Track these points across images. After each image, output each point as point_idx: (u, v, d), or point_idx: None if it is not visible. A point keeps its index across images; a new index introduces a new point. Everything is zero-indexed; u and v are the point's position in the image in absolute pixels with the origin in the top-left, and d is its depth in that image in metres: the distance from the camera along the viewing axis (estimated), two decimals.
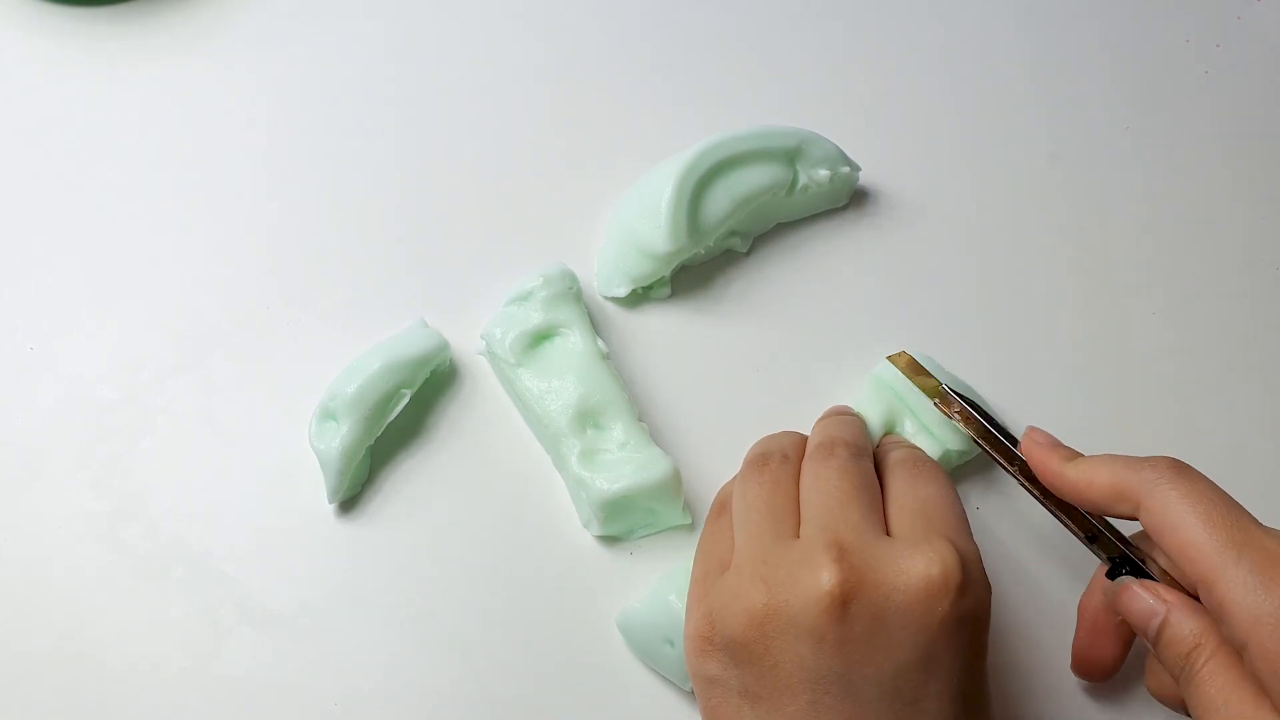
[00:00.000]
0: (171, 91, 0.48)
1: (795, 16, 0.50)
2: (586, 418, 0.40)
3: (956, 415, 0.39)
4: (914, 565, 0.31)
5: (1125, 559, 0.35)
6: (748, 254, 0.45)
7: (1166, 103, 0.49)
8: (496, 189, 0.47)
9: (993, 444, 0.38)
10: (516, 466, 0.42)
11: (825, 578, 0.31)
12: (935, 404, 0.40)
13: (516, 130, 0.48)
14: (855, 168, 0.46)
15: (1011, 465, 0.37)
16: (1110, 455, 0.34)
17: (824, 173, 0.45)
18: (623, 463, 0.39)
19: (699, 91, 0.49)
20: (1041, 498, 0.37)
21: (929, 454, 0.39)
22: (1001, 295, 0.45)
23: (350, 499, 0.41)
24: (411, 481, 0.42)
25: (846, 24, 0.50)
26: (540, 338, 0.42)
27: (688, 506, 0.41)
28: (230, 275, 0.45)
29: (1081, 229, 0.47)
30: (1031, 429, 0.37)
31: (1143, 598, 0.33)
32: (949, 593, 0.31)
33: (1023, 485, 0.37)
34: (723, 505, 0.37)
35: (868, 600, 0.31)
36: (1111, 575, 0.35)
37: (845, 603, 0.31)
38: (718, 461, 0.42)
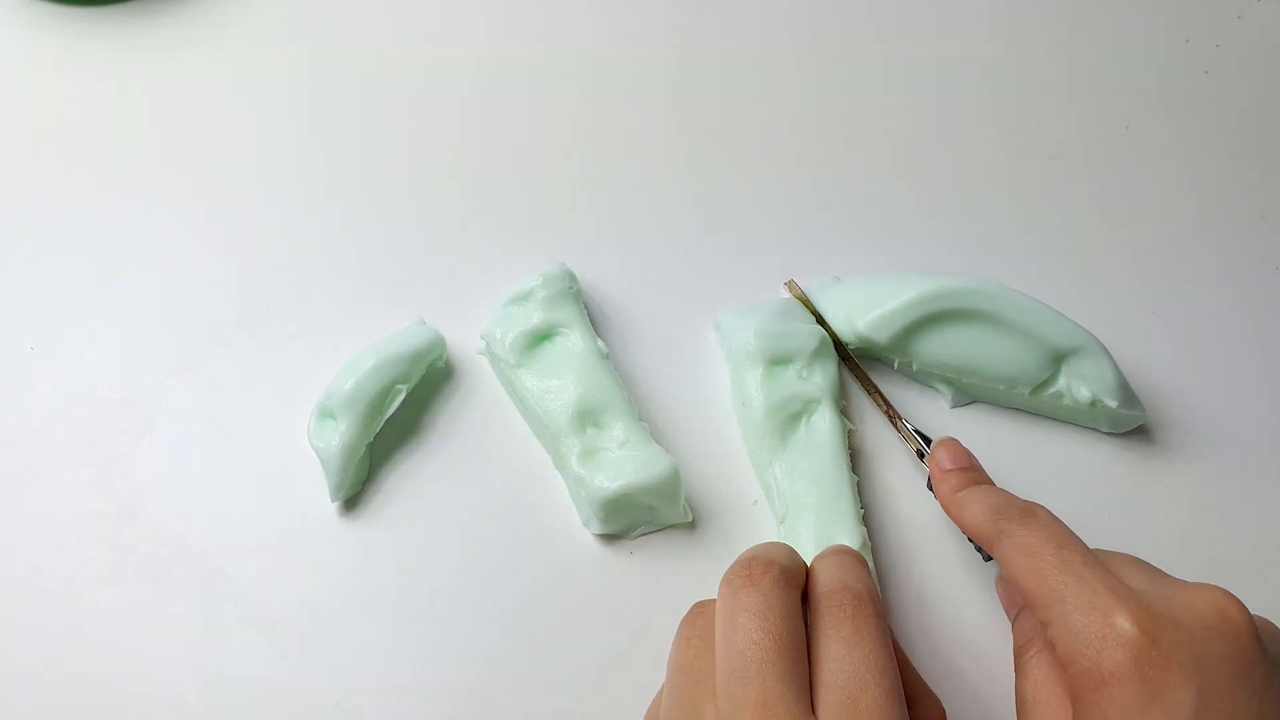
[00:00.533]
0: (171, 91, 0.48)
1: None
2: (586, 417, 0.40)
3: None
4: None
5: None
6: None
7: (1167, 102, 0.49)
8: (496, 189, 0.47)
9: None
10: (516, 466, 0.42)
11: None
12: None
13: (517, 130, 0.48)
14: (1133, 405, 0.41)
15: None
16: (985, 493, 0.35)
17: (1085, 394, 0.40)
18: (623, 461, 0.39)
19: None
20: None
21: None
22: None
23: (350, 499, 0.41)
24: (411, 481, 0.42)
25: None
26: (540, 338, 0.42)
27: (688, 505, 0.41)
28: (230, 275, 0.45)
29: (1081, 228, 0.47)
30: (942, 443, 0.39)
31: (1008, 591, 0.38)
32: None
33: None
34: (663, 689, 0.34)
35: None
36: (986, 558, 0.39)
37: None
38: (717, 461, 0.42)
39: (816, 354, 0.42)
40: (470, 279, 0.45)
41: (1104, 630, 0.28)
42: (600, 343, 0.41)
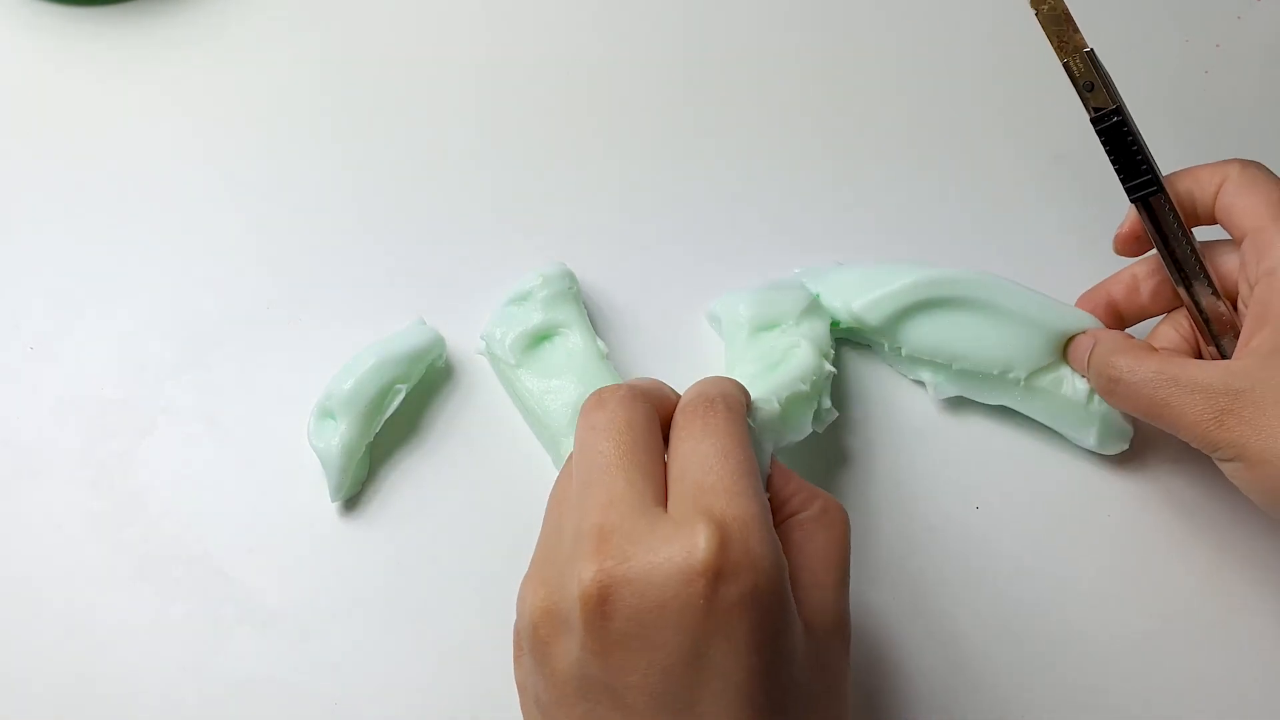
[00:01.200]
0: (171, 91, 0.48)
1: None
2: None
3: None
4: (671, 551, 0.27)
5: (1116, 113, 0.38)
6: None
7: (1167, 102, 0.49)
8: (497, 189, 0.47)
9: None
10: (516, 466, 0.42)
11: (583, 574, 0.28)
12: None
13: (517, 130, 0.48)
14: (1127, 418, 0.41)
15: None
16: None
17: (1084, 385, 0.40)
18: None
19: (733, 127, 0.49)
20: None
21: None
22: None
23: (350, 499, 0.41)
24: (411, 481, 0.42)
25: None
26: (540, 338, 0.42)
27: None
28: (231, 275, 0.45)
29: (1082, 228, 0.47)
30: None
31: (1077, 341, 0.40)
32: (704, 577, 0.27)
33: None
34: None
35: (626, 596, 0.27)
36: (1095, 122, 0.38)
37: (602, 602, 0.27)
38: None
39: (806, 313, 0.41)
40: (470, 279, 0.45)
41: None
42: (600, 343, 0.41)
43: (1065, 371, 0.41)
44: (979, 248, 0.46)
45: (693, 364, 0.44)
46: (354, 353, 0.42)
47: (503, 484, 0.42)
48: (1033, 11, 0.37)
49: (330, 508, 0.41)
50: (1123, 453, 0.42)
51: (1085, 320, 0.41)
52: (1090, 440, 0.41)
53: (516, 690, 0.32)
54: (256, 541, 0.41)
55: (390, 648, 0.40)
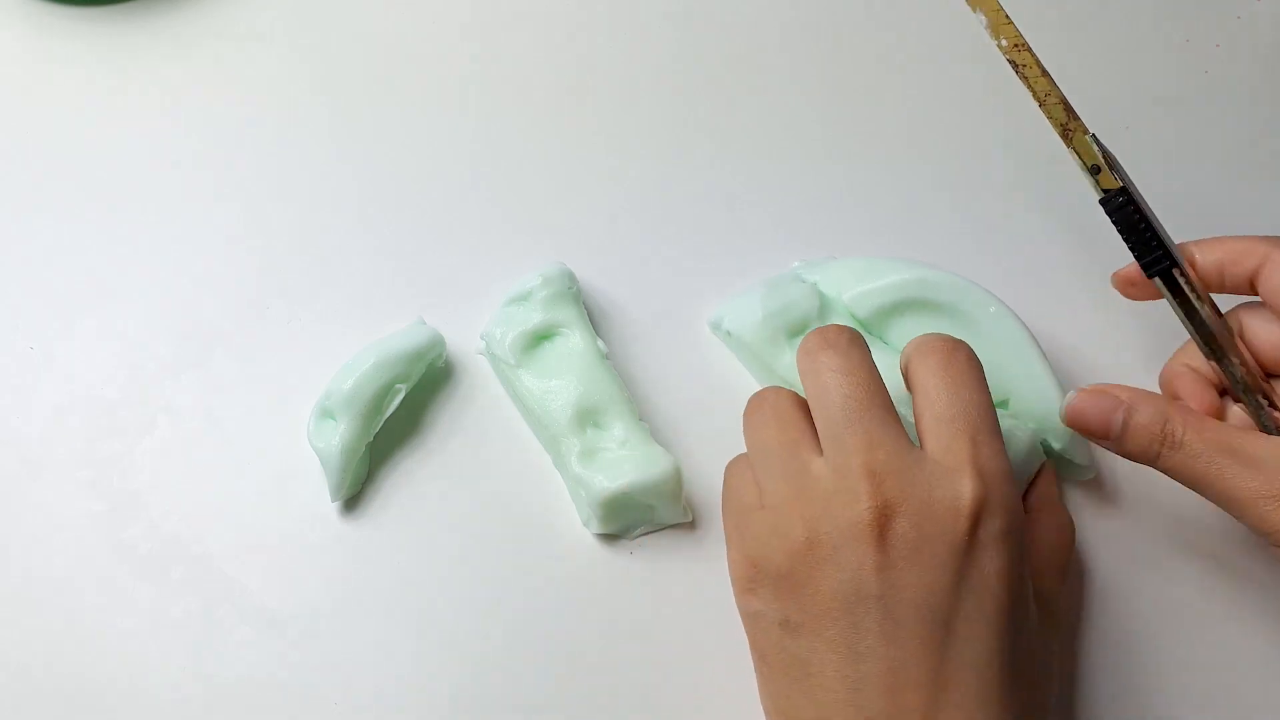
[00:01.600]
0: (171, 91, 0.48)
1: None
2: (586, 417, 0.40)
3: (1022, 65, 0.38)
4: (943, 490, 0.32)
5: (1122, 193, 0.37)
6: None
7: (1167, 103, 0.49)
8: (497, 189, 0.47)
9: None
10: (516, 466, 0.42)
11: (863, 507, 0.32)
12: (1001, 45, 0.38)
13: (517, 130, 0.48)
14: (1082, 456, 0.41)
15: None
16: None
17: (1028, 428, 0.40)
18: (623, 461, 0.39)
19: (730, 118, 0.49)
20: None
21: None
22: (999, 293, 0.45)
23: (350, 499, 0.41)
24: (411, 481, 0.42)
25: None
26: (540, 338, 0.42)
27: (688, 505, 0.41)
28: (231, 275, 0.45)
29: (1081, 229, 0.47)
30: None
31: (1099, 399, 0.36)
32: (971, 516, 0.32)
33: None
34: (734, 470, 0.37)
35: (903, 526, 0.31)
36: (1103, 203, 0.37)
37: (882, 529, 0.31)
38: (718, 460, 0.42)
39: (823, 310, 0.42)
40: (470, 279, 0.45)
41: None
42: (600, 343, 0.41)
43: (1011, 409, 0.41)
44: (976, 248, 0.46)
45: (693, 364, 0.44)
46: (354, 353, 0.42)
47: (503, 484, 0.42)
48: (1036, 104, 0.38)
49: (330, 508, 0.41)
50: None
51: (1039, 369, 0.40)
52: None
53: (745, 619, 0.35)
54: (256, 541, 0.41)
55: (390, 647, 0.40)
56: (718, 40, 0.49)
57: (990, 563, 0.32)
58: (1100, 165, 0.37)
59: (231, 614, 0.40)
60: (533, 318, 0.41)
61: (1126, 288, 0.39)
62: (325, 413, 0.41)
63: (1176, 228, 0.47)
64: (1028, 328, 0.41)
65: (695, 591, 0.40)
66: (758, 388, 0.42)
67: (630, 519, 0.40)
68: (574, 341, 0.41)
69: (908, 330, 0.41)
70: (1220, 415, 0.37)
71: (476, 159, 0.47)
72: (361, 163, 0.47)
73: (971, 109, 0.49)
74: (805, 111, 0.48)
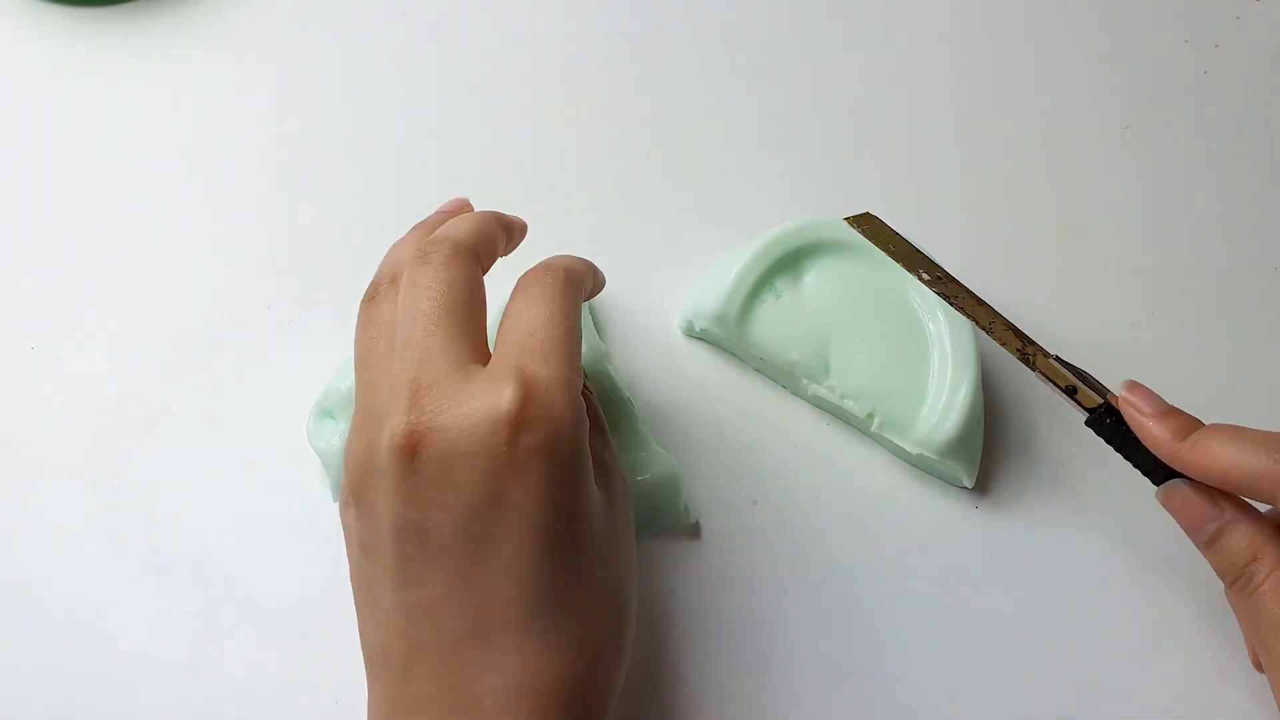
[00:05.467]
0: (172, 91, 0.48)
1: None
2: None
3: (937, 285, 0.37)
4: (479, 402, 0.30)
5: (1108, 409, 0.35)
6: None
7: (1166, 103, 0.49)
8: (496, 189, 0.47)
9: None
10: None
11: (396, 425, 0.30)
12: (923, 279, 0.38)
13: (516, 130, 0.48)
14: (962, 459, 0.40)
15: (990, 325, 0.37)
16: (1231, 433, 0.33)
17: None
18: (625, 465, 0.39)
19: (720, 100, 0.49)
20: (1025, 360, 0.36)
21: None
22: (998, 293, 0.45)
23: None
24: None
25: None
26: None
27: (689, 506, 0.41)
28: (232, 274, 0.45)
29: (1081, 229, 0.47)
30: (1132, 386, 0.35)
31: (1198, 503, 0.33)
32: (508, 427, 0.29)
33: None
34: (373, 288, 0.36)
35: (435, 445, 0.30)
36: (1089, 423, 0.35)
37: (414, 450, 0.30)
38: (717, 460, 0.42)
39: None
40: None
41: None
42: (603, 344, 0.41)
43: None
44: (975, 248, 0.46)
45: (692, 365, 0.44)
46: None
47: None
48: (1002, 345, 0.37)
49: (330, 507, 0.41)
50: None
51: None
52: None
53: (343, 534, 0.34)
54: (257, 541, 0.41)
55: None
56: (720, 42, 0.50)
57: (531, 475, 0.30)
58: (1075, 385, 0.36)
59: (232, 613, 0.40)
60: None
61: (1181, 509, 0.35)
62: (324, 412, 0.41)
63: (1174, 226, 0.47)
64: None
65: (696, 591, 0.40)
66: (741, 378, 0.42)
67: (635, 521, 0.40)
68: None
69: (826, 268, 0.42)
70: None
71: (477, 159, 0.47)
72: (363, 162, 0.47)
73: (976, 109, 0.49)
74: (804, 110, 0.48)
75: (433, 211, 0.38)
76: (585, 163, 0.47)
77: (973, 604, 0.41)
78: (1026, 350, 0.37)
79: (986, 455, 0.42)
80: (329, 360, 0.42)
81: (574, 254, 0.37)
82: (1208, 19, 0.51)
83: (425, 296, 0.32)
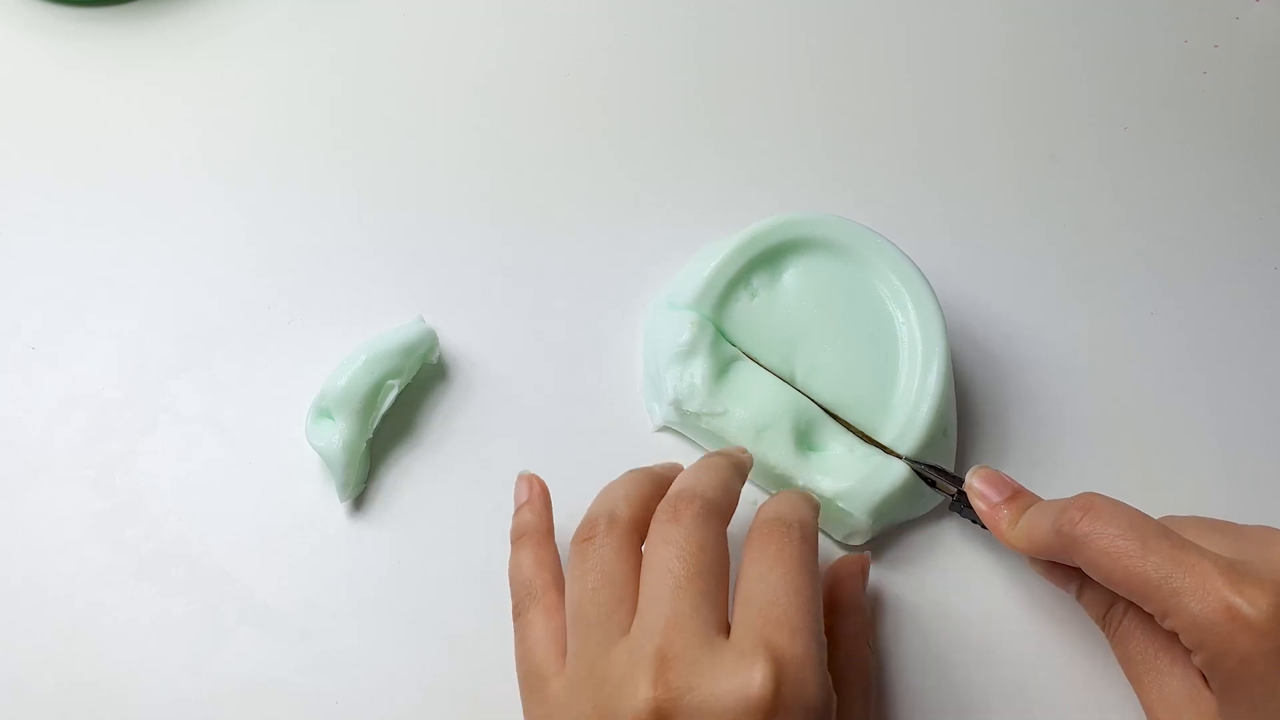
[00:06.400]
0: (172, 91, 0.48)
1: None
2: (803, 438, 0.40)
3: None
4: (731, 682, 0.29)
5: (960, 496, 0.38)
6: None
7: (1165, 103, 0.49)
8: (495, 189, 0.47)
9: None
10: (516, 465, 0.42)
11: (640, 700, 0.29)
12: None
13: (516, 130, 0.48)
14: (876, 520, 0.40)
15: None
16: (1038, 512, 0.35)
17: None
18: (859, 463, 0.39)
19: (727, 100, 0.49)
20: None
21: None
22: (998, 294, 0.45)
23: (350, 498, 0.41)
24: (410, 481, 0.42)
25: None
26: (717, 378, 0.41)
27: None
28: (232, 275, 0.45)
29: (1080, 228, 0.47)
30: (978, 473, 0.38)
31: (1051, 569, 0.37)
32: (760, 713, 0.28)
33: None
34: (518, 600, 0.35)
35: None
36: (952, 508, 0.39)
37: None
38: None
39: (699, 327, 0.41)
40: (470, 279, 0.45)
41: (1229, 614, 0.29)
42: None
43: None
44: (973, 248, 0.46)
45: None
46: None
47: (501, 483, 0.42)
48: None
49: (330, 507, 0.41)
50: None
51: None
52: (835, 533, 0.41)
53: None
54: (257, 540, 0.41)
55: (391, 647, 0.40)
56: (718, 36, 0.50)
57: None
58: (933, 479, 0.39)
59: (232, 613, 0.40)
60: (700, 364, 0.40)
61: (1045, 574, 0.38)
62: (322, 412, 0.41)
63: (1174, 226, 0.47)
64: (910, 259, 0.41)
65: None
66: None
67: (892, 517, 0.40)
68: (746, 371, 0.41)
69: (803, 267, 0.41)
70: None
71: (476, 158, 0.47)
72: (363, 162, 0.47)
73: (972, 111, 0.49)
74: (802, 109, 0.49)
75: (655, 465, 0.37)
76: (573, 157, 0.47)
77: (972, 605, 0.41)
78: (876, 445, 0.40)
79: (962, 458, 0.42)
80: (329, 360, 0.42)
81: (794, 491, 0.36)
82: (1208, 19, 0.51)
83: (676, 556, 0.31)
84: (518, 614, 0.35)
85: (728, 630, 0.31)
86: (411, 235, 0.46)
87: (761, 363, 0.41)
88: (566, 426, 0.43)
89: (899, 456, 0.39)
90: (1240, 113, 0.49)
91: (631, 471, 0.36)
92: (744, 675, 0.29)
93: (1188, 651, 0.31)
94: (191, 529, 0.41)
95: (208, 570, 0.40)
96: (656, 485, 0.35)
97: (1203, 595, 0.30)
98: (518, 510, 0.38)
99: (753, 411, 0.40)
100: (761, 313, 0.41)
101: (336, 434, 0.40)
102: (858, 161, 0.48)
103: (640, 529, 0.33)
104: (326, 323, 0.44)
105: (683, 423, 0.41)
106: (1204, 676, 0.32)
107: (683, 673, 0.29)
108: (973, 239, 0.46)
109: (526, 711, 0.33)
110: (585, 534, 0.33)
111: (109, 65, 0.48)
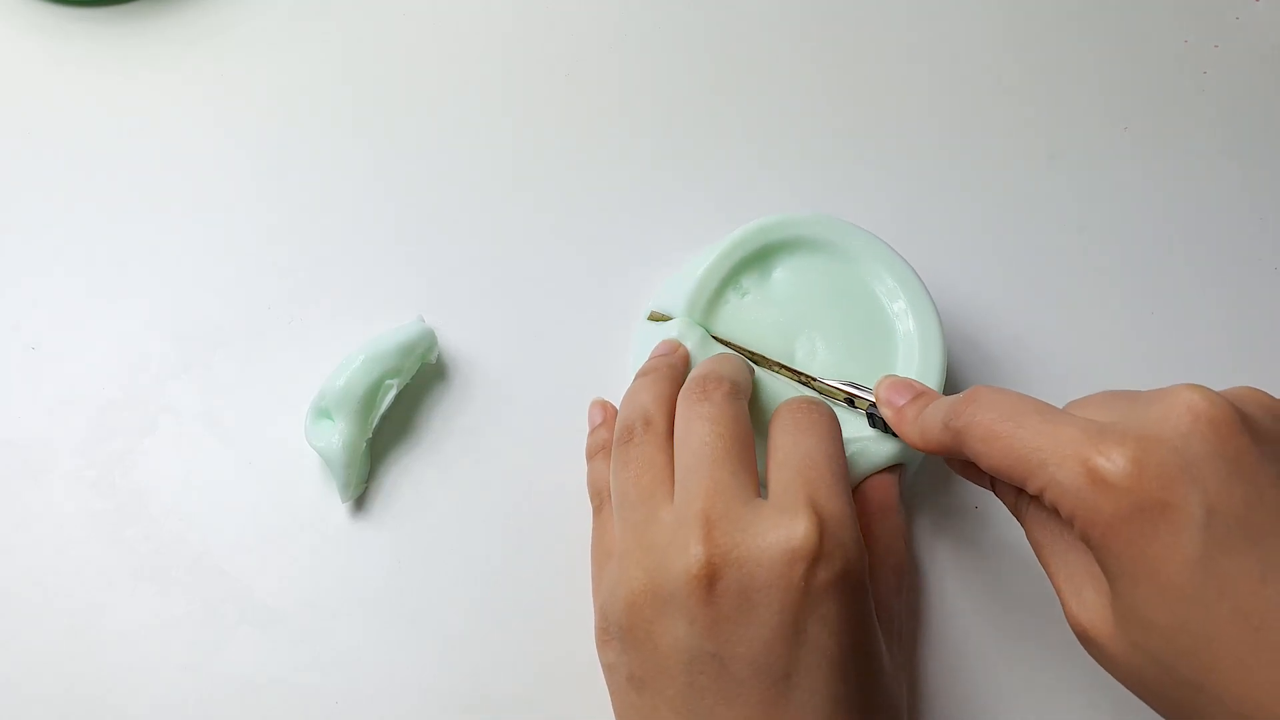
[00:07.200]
0: (172, 91, 0.48)
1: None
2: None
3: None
4: (775, 534, 0.31)
5: (873, 408, 0.38)
6: None
7: (1165, 103, 0.49)
8: (494, 188, 0.47)
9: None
10: (515, 465, 0.42)
11: (691, 556, 0.31)
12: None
13: (516, 129, 0.48)
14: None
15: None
16: (932, 410, 0.34)
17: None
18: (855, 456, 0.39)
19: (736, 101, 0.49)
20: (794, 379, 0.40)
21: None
22: (998, 294, 0.45)
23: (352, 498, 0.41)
24: (410, 480, 0.42)
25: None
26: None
27: None
28: (232, 275, 0.45)
29: (1080, 229, 0.47)
30: (884, 382, 0.37)
31: (971, 466, 0.34)
32: (804, 561, 0.30)
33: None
34: (598, 500, 0.38)
35: (733, 576, 0.30)
36: (871, 424, 0.38)
37: (711, 581, 0.30)
38: None
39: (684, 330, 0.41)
40: (470, 279, 0.45)
41: (1090, 476, 0.28)
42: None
43: None
44: (973, 249, 0.46)
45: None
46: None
47: (502, 483, 0.42)
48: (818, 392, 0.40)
49: (330, 507, 0.41)
50: None
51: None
52: None
53: (603, 670, 0.34)
54: (257, 540, 0.41)
55: (391, 647, 0.40)
56: (719, 35, 0.50)
57: (828, 608, 0.30)
58: (850, 395, 0.39)
59: (232, 613, 0.40)
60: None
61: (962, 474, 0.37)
62: (321, 412, 0.41)
63: (1174, 226, 0.47)
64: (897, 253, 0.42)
65: None
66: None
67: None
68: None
69: (794, 265, 0.42)
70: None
71: (475, 159, 0.47)
72: (362, 163, 0.47)
73: (972, 108, 0.49)
74: (800, 108, 0.49)
75: (649, 356, 0.40)
76: (572, 157, 0.47)
77: (971, 602, 0.41)
78: (802, 377, 0.40)
79: None
80: (330, 360, 0.42)
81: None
82: (1208, 19, 0.51)
83: (710, 430, 0.33)
84: (595, 512, 0.38)
85: (757, 494, 0.32)
86: (411, 235, 0.46)
87: (757, 354, 0.41)
88: (566, 426, 0.43)
89: (814, 379, 0.40)
90: (1240, 113, 0.49)
91: (647, 373, 0.38)
92: (788, 527, 0.31)
93: None
94: (191, 529, 0.41)
95: (208, 570, 0.40)
96: (675, 381, 0.37)
97: (1065, 461, 0.28)
98: (593, 430, 0.41)
99: (753, 413, 0.40)
100: (753, 310, 0.41)
101: (336, 434, 0.40)
102: (857, 162, 0.48)
103: (672, 427, 0.35)
104: (327, 323, 0.44)
105: None
106: None
107: (728, 529, 0.31)
108: (972, 239, 0.46)
109: (593, 589, 0.37)
110: (624, 437, 0.35)
111: (109, 65, 0.48)
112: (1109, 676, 0.39)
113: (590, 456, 0.40)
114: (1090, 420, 0.29)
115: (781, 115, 0.48)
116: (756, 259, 0.42)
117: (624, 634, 0.32)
